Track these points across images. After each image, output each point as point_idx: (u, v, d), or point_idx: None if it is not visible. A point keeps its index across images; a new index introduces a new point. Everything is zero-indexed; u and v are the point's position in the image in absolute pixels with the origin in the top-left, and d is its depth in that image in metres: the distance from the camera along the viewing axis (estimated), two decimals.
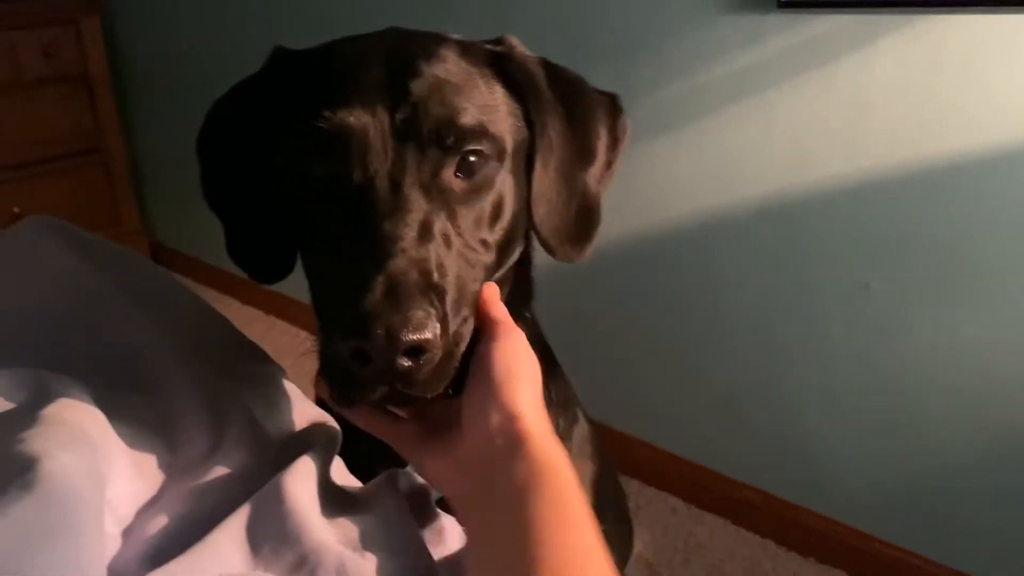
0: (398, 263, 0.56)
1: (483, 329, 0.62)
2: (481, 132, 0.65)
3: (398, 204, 0.60)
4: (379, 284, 0.55)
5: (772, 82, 1.45)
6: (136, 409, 0.60)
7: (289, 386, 0.72)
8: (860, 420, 1.53)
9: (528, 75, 0.72)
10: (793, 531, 1.66)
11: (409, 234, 0.58)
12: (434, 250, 0.59)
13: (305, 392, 0.74)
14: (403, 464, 0.68)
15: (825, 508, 1.62)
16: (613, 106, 0.79)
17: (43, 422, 0.50)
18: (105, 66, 2.89)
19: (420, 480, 0.67)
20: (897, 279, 1.42)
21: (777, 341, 1.59)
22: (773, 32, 1.42)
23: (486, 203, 0.66)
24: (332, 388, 0.60)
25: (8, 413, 0.53)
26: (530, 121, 0.71)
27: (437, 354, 0.56)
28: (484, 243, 0.66)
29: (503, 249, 0.69)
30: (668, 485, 1.82)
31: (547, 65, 0.76)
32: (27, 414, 0.52)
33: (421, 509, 0.65)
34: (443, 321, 0.57)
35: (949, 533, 1.48)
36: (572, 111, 0.75)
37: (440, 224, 0.61)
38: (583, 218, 0.74)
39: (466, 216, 0.64)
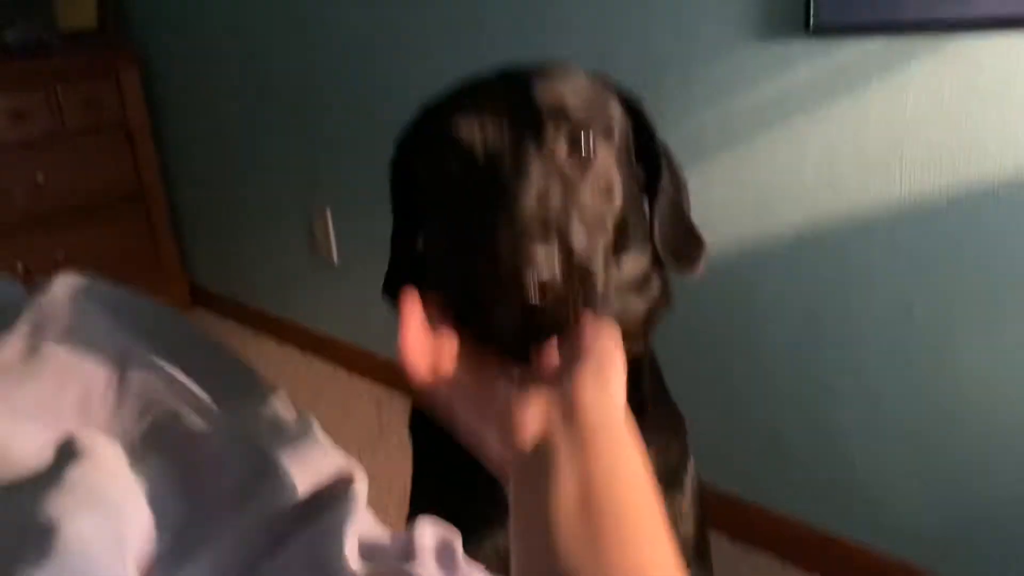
0: (528, 219, 0.61)
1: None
2: (588, 119, 0.71)
3: (520, 174, 0.65)
4: (508, 235, 0.59)
5: (804, 108, 1.43)
6: (162, 465, 0.59)
7: (320, 435, 0.72)
8: (908, 449, 1.48)
9: (649, 118, 0.82)
10: (842, 566, 1.61)
11: (532, 198, 0.63)
12: (557, 209, 0.64)
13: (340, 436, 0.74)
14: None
15: (875, 541, 1.57)
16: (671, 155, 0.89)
17: (66, 485, 0.50)
18: (145, 115, 2.96)
19: (448, 531, 0.66)
20: (940, 304, 1.38)
21: (820, 371, 1.56)
22: (803, 58, 1.40)
23: (598, 179, 0.71)
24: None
25: (34, 474, 0.53)
26: (637, 153, 0.80)
27: (584, 262, 0.62)
28: (602, 215, 0.71)
29: (621, 231, 0.74)
30: (711, 522, 1.77)
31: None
32: (52, 475, 0.52)
33: (449, 560, 0.64)
34: (569, 259, 0.61)
35: (1005, 567, 1.42)
36: (668, 155, 0.85)
37: (558, 189, 0.66)
38: (691, 239, 0.84)
39: (581, 187, 0.69)
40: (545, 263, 0.58)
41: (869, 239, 1.42)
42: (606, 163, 0.72)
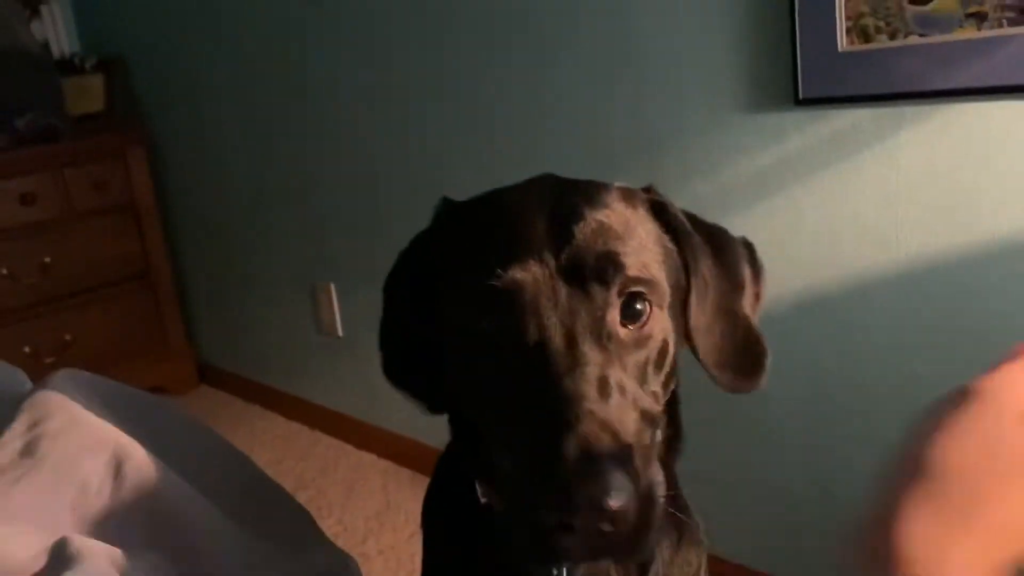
0: (588, 426, 0.56)
1: None
2: (642, 276, 0.66)
3: (575, 358, 0.60)
4: (572, 449, 0.54)
5: (797, 178, 1.44)
6: (161, 564, 0.59)
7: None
8: None
9: (680, 221, 0.74)
10: None
11: (591, 392, 0.58)
12: (615, 406, 0.59)
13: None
14: None
15: None
16: (747, 244, 0.82)
17: None
18: (152, 196, 3.00)
19: None
20: (945, 367, 1.37)
21: (828, 438, 1.54)
22: (793, 129, 1.42)
23: (652, 351, 0.66)
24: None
25: None
26: (684, 265, 0.73)
27: (633, 516, 0.55)
28: (654, 394, 0.66)
29: (667, 387, 0.69)
30: None
31: (688, 214, 0.79)
32: None
33: None
34: (636, 481, 0.56)
35: None
36: (716, 248, 0.77)
37: (615, 376, 0.61)
38: (749, 347, 0.75)
39: (634, 365, 0.64)
40: (617, 489, 0.53)
41: (870, 304, 1.42)
42: (661, 327, 0.67)
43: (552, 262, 0.63)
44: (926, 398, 1.40)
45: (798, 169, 1.44)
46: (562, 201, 0.68)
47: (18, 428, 0.70)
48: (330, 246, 2.48)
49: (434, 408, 0.77)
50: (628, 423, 0.59)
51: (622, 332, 0.64)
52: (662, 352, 0.67)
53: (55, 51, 3.08)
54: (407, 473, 2.37)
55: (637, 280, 0.65)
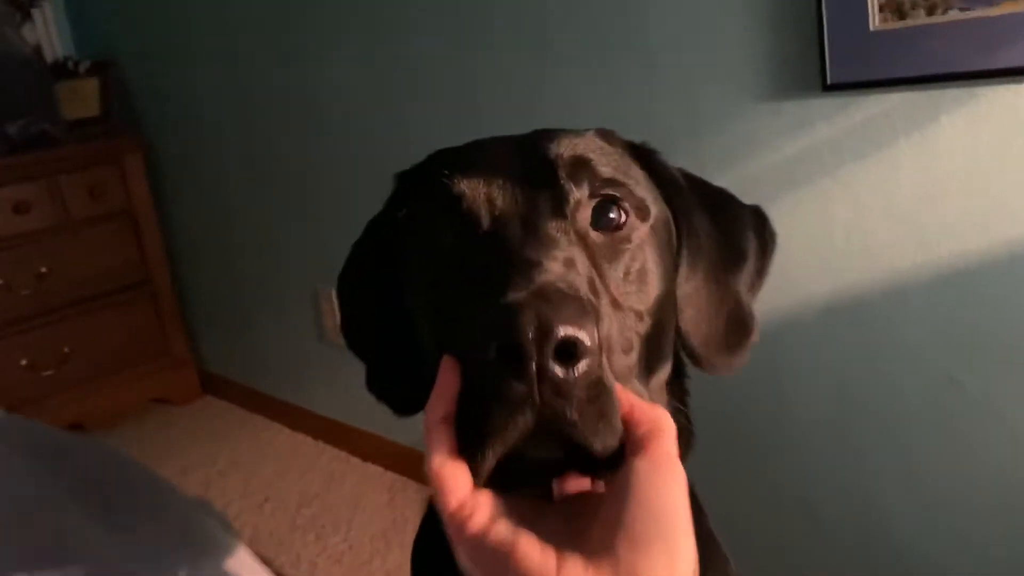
0: (545, 276, 0.48)
1: (644, 445, 0.48)
2: (616, 180, 0.58)
3: (539, 239, 0.52)
4: (523, 285, 0.47)
5: (826, 170, 1.33)
6: None
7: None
8: (959, 530, 1.35)
9: (667, 168, 0.67)
10: None
11: (554, 259, 0.50)
12: (582, 283, 0.51)
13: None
14: None
15: None
16: (758, 214, 0.73)
17: None
18: (150, 201, 2.92)
19: None
20: (989, 373, 1.26)
21: (856, 447, 1.43)
22: (820, 117, 1.31)
23: (630, 263, 0.57)
24: (471, 459, 0.47)
25: None
26: (676, 221, 0.65)
27: (595, 368, 0.46)
28: (636, 312, 0.57)
29: (653, 338, 0.59)
30: None
31: (685, 172, 0.71)
32: None
33: None
34: (599, 330, 0.47)
35: None
36: (717, 212, 0.68)
37: (584, 266, 0.53)
38: (734, 327, 0.66)
39: (610, 273, 0.56)
40: (567, 321, 0.44)
41: (905, 306, 1.31)
42: (639, 239, 0.59)
43: (516, 167, 0.58)
44: (964, 406, 1.30)
45: (826, 161, 1.33)
46: (529, 135, 0.63)
47: None
48: (332, 251, 2.38)
49: (404, 407, 0.70)
50: (600, 313, 0.50)
51: (593, 234, 0.56)
52: (641, 272, 0.58)
53: (48, 55, 3.00)
54: (414, 486, 2.27)
55: (611, 181, 0.58)
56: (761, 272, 0.71)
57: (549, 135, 0.61)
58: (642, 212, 0.59)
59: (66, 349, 2.75)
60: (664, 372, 0.64)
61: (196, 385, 3.11)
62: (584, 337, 0.44)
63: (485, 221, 0.56)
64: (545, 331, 0.43)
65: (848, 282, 1.36)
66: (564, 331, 0.44)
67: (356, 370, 0.70)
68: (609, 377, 0.47)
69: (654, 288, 0.59)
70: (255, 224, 2.66)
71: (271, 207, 2.56)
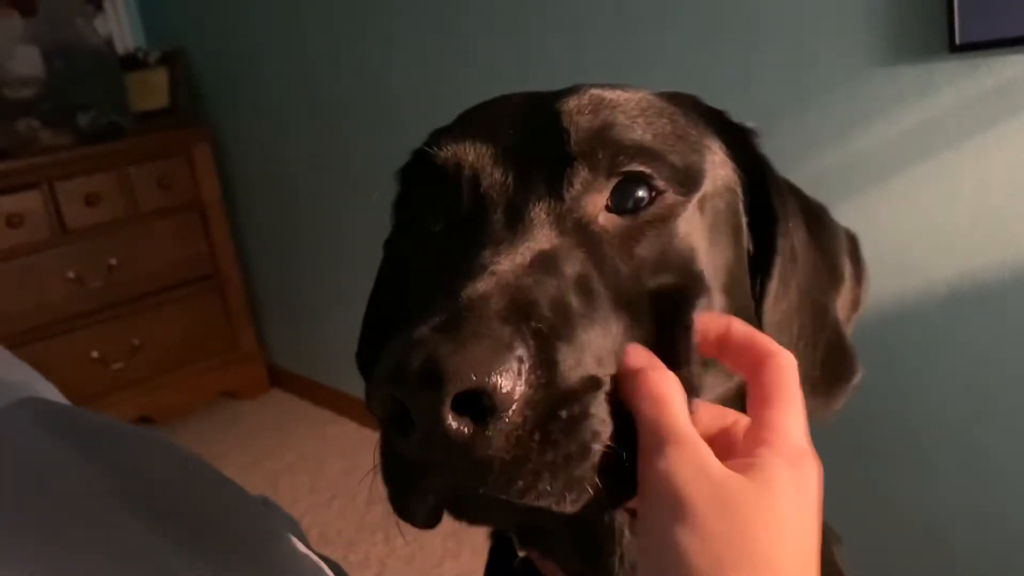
0: (479, 287, 0.39)
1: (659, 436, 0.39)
2: (649, 150, 0.45)
3: (510, 233, 0.43)
4: (445, 306, 0.39)
5: (950, 142, 1.20)
6: None
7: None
8: None
9: (759, 151, 0.54)
10: None
11: (511, 261, 0.40)
12: (551, 286, 0.40)
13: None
14: None
15: None
16: (852, 237, 0.62)
17: None
18: (218, 193, 2.90)
19: None
20: None
21: (988, 452, 1.29)
22: (946, 82, 1.18)
23: (658, 252, 0.45)
24: (388, 490, 0.41)
25: None
26: (763, 216, 0.52)
27: (515, 417, 0.37)
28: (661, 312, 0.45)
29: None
30: None
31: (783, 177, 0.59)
32: None
33: None
34: (538, 367, 0.37)
35: None
36: (813, 223, 0.56)
37: (575, 265, 0.41)
38: (834, 363, 0.54)
39: (621, 268, 0.43)
40: (470, 364, 0.35)
41: None
42: (676, 226, 0.46)
43: (518, 131, 0.47)
44: None
45: (952, 131, 1.19)
46: (554, 92, 0.50)
47: None
48: None
49: None
50: (571, 316, 0.39)
51: (604, 218, 0.44)
52: (681, 263, 0.45)
53: (119, 46, 3.01)
54: None
55: (642, 150, 0.45)
56: (856, 304, 0.61)
57: (574, 90, 0.50)
58: (686, 182, 0.47)
59: (135, 342, 2.74)
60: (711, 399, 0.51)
61: (264, 379, 3.08)
62: (495, 384, 0.35)
63: (465, 202, 0.47)
64: (432, 380, 0.35)
65: (975, 267, 1.23)
66: (458, 381, 0.35)
67: None
68: (573, 415, 0.38)
69: (699, 285, 0.47)
70: (322, 217, 2.61)
71: (337, 200, 2.51)
